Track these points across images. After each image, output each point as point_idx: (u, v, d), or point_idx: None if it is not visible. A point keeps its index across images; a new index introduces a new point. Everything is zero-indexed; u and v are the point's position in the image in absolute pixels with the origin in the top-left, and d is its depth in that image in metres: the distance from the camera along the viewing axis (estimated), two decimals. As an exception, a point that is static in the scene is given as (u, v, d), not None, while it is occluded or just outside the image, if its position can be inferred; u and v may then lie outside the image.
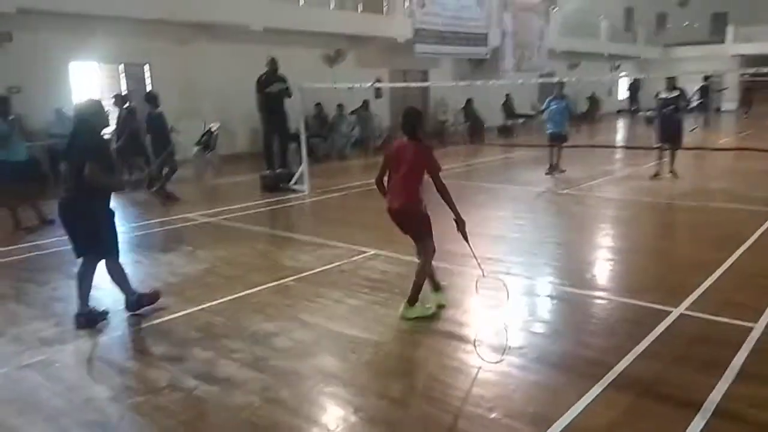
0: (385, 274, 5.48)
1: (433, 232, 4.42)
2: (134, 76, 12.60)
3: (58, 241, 6.50)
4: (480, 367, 3.61)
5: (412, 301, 4.36)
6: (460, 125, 19.53)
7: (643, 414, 3.03)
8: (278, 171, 10.40)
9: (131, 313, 4.52)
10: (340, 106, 15.28)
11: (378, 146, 15.74)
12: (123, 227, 7.47)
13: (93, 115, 4.35)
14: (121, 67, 12.52)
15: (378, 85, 12.99)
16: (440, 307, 4.54)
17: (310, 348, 3.92)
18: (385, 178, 4.46)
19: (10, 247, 6.72)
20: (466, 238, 4.34)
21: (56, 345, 4.06)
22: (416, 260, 4.54)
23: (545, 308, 4.70)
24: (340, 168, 13.35)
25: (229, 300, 4.81)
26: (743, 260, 5.55)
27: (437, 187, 4.22)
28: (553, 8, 23.87)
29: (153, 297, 4.68)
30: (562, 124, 10.90)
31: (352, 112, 15.69)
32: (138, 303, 4.55)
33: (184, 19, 12.42)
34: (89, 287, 4.41)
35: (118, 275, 4.49)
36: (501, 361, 3.66)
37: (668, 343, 3.83)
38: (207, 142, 11.80)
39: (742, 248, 5.86)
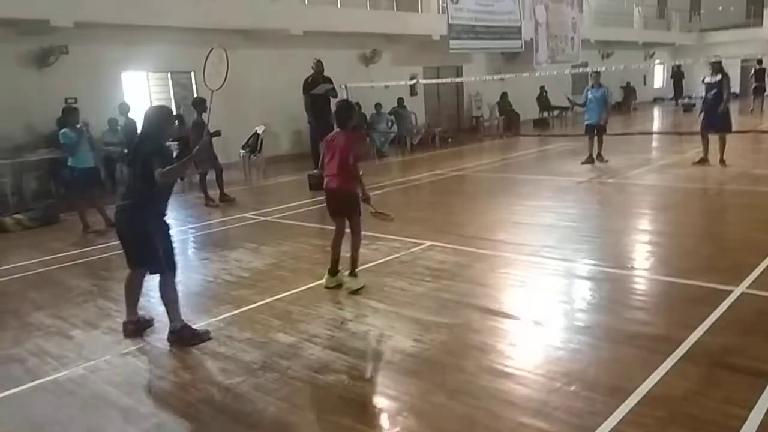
0: (443, 263, 5.68)
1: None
2: (181, 84, 13.06)
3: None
4: (551, 346, 3.80)
5: (354, 273, 5.00)
6: (495, 119, 19.59)
7: (717, 383, 3.18)
8: (325, 170, 10.66)
9: (169, 342, 4.15)
10: (378, 105, 15.54)
11: (415, 143, 15.96)
12: (185, 227, 7.86)
13: (162, 121, 4.21)
14: (169, 75, 12.99)
15: (417, 81, 13.16)
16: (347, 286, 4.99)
17: (385, 331, 4.16)
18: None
19: (85, 249, 7.15)
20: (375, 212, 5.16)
21: (151, 334, 4.38)
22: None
23: (605, 290, 4.84)
24: (380, 166, 13.58)
25: (302, 290, 5.09)
26: (800, 241, 5.60)
27: (354, 158, 4.88)
28: (586, -3, 23.69)
29: (200, 337, 4.17)
30: (600, 114, 10.91)
31: (390, 111, 15.92)
32: (178, 335, 4.14)
33: (228, 26, 12.80)
34: (137, 297, 4.38)
35: (168, 295, 4.15)
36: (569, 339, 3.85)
37: (734, 319, 3.95)
38: (254, 144, 12.17)
39: (798, 229, 5.91)
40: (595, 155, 11.05)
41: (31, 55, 10.92)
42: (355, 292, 4.91)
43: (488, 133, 18.50)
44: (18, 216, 8.51)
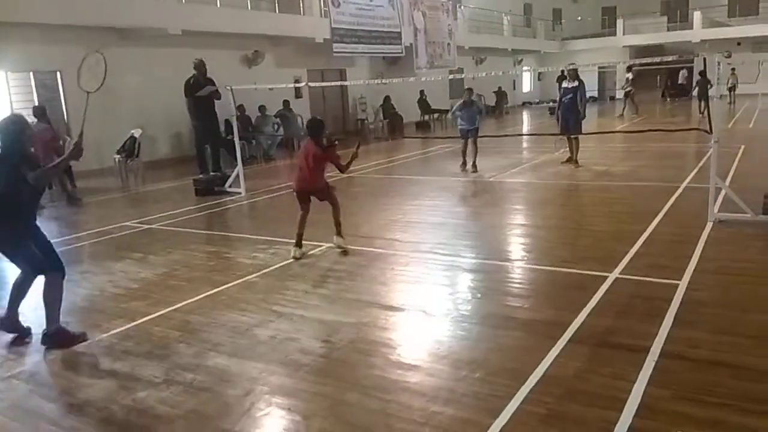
0: (342, 264, 5.75)
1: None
2: (46, 85, 12.03)
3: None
4: (454, 337, 3.98)
5: (340, 233, 6.04)
6: (380, 122, 19.99)
7: (603, 361, 3.50)
8: (212, 174, 10.35)
9: (44, 345, 4.07)
10: (262, 107, 15.27)
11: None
12: (60, 239, 7.27)
13: (18, 134, 4.04)
14: (32, 75, 11.93)
15: (304, 85, 13.11)
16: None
17: (292, 335, 4.13)
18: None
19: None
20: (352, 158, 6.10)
21: (33, 353, 4.03)
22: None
23: (497, 282, 5.13)
24: (269, 169, 13.39)
25: (199, 299, 4.91)
26: (659, 229, 6.27)
27: (339, 167, 5.99)
28: (460, 6, 24.85)
29: (78, 338, 4.14)
30: (474, 121, 10.88)
31: (276, 114, 15.72)
32: (54, 338, 4.08)
33: (97, 24, 12.00)
34: (20, 295, 4.25)
35: (51, 296, 4.10)
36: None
37: (611, 302, 4.37)
38: (130, 149, 11.49)
39: (657, 219, 6.62)
40: (470, 163, 10.96)
41: None
42: (344, 251, 5.97)
43: (373, 135, 18.83)
44: None
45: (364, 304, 4.65)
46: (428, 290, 4.96)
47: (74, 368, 3.85)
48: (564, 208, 8.16)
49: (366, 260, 5.85)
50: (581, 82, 10.75)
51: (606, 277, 4.83)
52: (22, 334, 4.30)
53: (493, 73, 10.74)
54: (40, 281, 4.19)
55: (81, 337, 4.17)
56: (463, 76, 15.29)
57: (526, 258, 5.83)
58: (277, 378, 3.53)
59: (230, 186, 9.95)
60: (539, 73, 30.42)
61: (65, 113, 12.31)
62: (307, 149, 5.96)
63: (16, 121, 4.21)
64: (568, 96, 10.68)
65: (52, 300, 4.11)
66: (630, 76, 21.89)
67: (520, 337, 3.95)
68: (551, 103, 25.61)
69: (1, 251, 4.19)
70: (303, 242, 6.03)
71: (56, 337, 4.09)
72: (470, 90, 11.25)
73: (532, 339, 3.88)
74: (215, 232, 7.68)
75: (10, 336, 4.30)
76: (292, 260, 5.87)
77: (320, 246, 6.25)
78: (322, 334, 4.11)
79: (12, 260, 4.18)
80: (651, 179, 9.21)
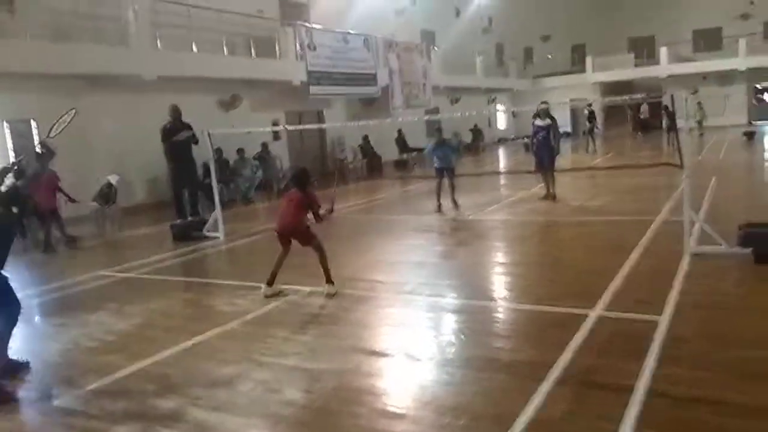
0: (324, 308, 5.69)
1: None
2: (21, 133, 11.93)
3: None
4: (437, 382, 3.94)
5: (330, 280, 6.00)
6: (359, 161, 20.12)
7: (588, 402, 3.48)
8: (190, 219, 10.26)
9: None
10: (240, 150, 15.29)
11: (282, 189, 15.86)
12: (32, 291, 7.11)
13: None
14: (5, 124, 11.83)
15: (282, 128, 13.19)
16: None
17: (272, 385, 4.05)
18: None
19: None
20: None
21: (6, 414, 3.88)
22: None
23: (478, 322, 5.10)
24: (248, 212, 13.33)
25: (178, 350, 4.80)
26: (637, 263, 6.34)
27: (315, 215, 6.10)
28: (433, 47, 25.42)
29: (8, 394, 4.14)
30: (449, 160, 10.91)
31: (255, 157, 15.76)
32: None
33: (69, 72, 11.99)
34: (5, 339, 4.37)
35: None
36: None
37: (592, 340, 4.37)
38: (107, 195, 11.36)
39: (634, 253, 6.69)
40: (446, 203, 10.85)
41: None
42: (333, 295, 5.90)
43: (352, 175, 18.92)
44: None
45: (346, 349, 4.59)
46: (412, 333, 4.92)
47: (49, 429, 3.70)
48: (542, 244, 8.24)
49: (348, 303, 5.79)
50: (554, 120, 10.99)
51: (587, 315, 4.84)
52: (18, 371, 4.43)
53: (468, 113, 10.95)
54: None
55: (12, 395, 4.13)
56: (438, 116, 15.56)
57: (507, 297, 5.84)
58: (257, 432, 3.45)
59: (208, 230, 9.86)
60: (513, 111, 31.03)
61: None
62: (290, 193, 6.18)
63: None
64: (542, 134, 10.91)
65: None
66: (586, 112, 22.73)
67: (504, 380, 3.91)
68: (526, 139, 26.11)
69: None
70: (284, 285, 5.99)
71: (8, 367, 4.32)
72: (440, 129, 11.38)
73: (516, 381, 3.85)
74: (193, 279, 7.57)
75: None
76: (272, 306, 5.80)
77: (302, 289, 6.19)
78: (304, 383, 4.04)
79: None
80: (626, 213, 9.36)
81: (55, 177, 9.82)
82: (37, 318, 6.26)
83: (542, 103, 11.38)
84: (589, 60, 33.43)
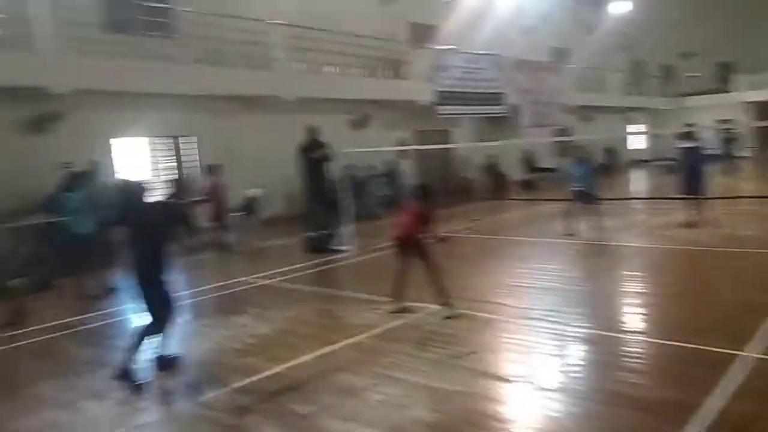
0: (449, 328, 5.73)
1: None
2: (184, 149, 13.31)
3: (123, 309, 6.87)
4: (567, 413, 3.83)
5: (446, 303, 6.01)
6: (484, 181, 19.99)
7: (738, 451, 3.22)
8: (322, 233, 10.78)
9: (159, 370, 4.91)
10: (370, 168, 15.82)
11: (404, 204, 16.15)
12: (186, 292, 7.82)
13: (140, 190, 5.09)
14: (172, 140, 13.23)
15: (410, 147, 13.50)
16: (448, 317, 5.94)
17: (401, 401, 4.16)
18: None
19: (82, 316, 7.08)
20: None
21: (163, 405, 4.33)
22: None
23: (614, 354, 4.89)
24: (375, 227, 13.67)
25: (313, 357, 5.08)
26: (795, 303, 5.74)
27: (432, 235, 6.13)
28: (565, 65, 24.74)
29: (174, 362, 5.03)
30: (591, 183, 10.44)
31: (383, 174, 16.24)
32: (161, 361, 4.95)
33: (222, 93, 13.16)
34: (163, 334, 4.94)
35: (139, 337, 4.81)
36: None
37: (750, 385, 4.00)
38: (251, 207, 12.31)
39: (792, 291, 6.07)
40: (580, 227, 10.43)
41: (28, 121, 11.03)
42: (452, 317, 5.91)
43: (477, 195, 18.83)
44: (14, 282, 8.40)
45: (472, 372, 4.60)
46: (539, 361, 4.82)
47: (199, 421, 4.07)
48: (686, 275, 7.69)
49: (474, 325, 5.80)
50: (700, 142, 10.30)
51: (736, 356, 4.47)
52: (172, 364, 4.98)
53: (602, 133, 10.55)
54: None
55: (176, 361, 5.01)
56: (568, 137, 15.11)
57: (643, 330, 5.54)
58: (388, 445, 3.56)
59: (339, 244, 10.30)
60: (652, 131, 29.24)
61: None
62: (410, 205, 6.38)
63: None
64: (688, 156, 10.24)
65: (137, 340, 4.79)
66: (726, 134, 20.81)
67: (639, 418, 3.72)
68: (666, 161, 24.46)
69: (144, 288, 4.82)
70: (410, 303, 6.14)
71: (164, 361, 4.94)
72: (580, 148, 11.05)
73: (653, 420, 3.65)
74: (325, 290, 7.94)
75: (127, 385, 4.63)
76: (399, 322, 5.94)
77: (428, 307, 6.29)
78: (431, 402, 4.10)
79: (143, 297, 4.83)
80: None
81: (223, 187, 11.18)
82: (188, 318, 6.89)
83: (688, 124, 10.70)
84: (738, 78, 30.74)
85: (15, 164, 10.71)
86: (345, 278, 8.84)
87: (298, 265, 9.25)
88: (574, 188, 10.57)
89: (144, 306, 4.84)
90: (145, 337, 4.82)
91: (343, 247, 10.15)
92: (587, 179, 10.48)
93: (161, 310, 4.87)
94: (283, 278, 8.42)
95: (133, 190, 5.09)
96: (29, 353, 5.82)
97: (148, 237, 4.88)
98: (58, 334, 6.41)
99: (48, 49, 10.49)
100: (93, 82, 10.90)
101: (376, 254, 9.95)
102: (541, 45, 24.27)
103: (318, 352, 5.18)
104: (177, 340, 5.26)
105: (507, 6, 21.64)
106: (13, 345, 6.07)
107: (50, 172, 10.80)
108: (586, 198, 10.39)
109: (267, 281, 8.29)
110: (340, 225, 10.87)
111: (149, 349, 4.86)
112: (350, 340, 5.45)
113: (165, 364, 4.96)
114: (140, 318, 5.03)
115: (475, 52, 19.61)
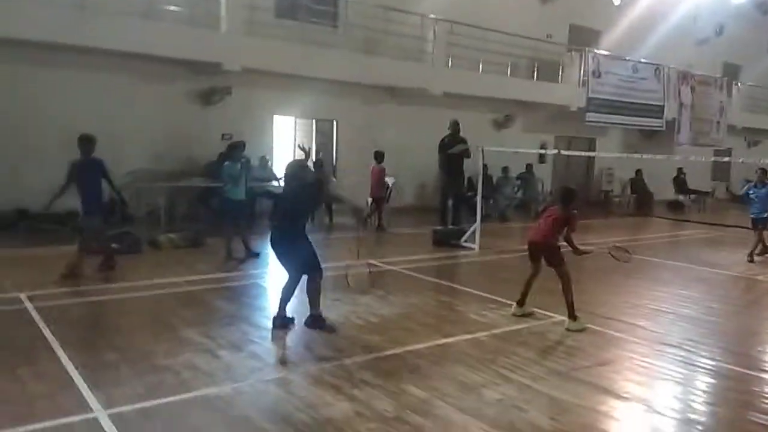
0: (575, 341, 5.52)
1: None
2: (323, 132, 13.93)
3: (265, 271, 7.36)
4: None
5: (572, 316, 5.76)
6: (626, 196, 18.93)
7: None
8: (450, 227, 10.82)
9: (308, 327, 5.43)
10: (505, 169, 15.58)
11: (540, 210, 15.70)
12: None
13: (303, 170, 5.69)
14: (314, 122, 13.91)
15: (558, 152, 13.13)
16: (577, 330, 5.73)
17: (519, 403, 4.08)
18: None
19: (228, 274, 7.71)
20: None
21: (290, 365, 4.62)
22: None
23: (749, 394, 4.44)
24: (503, 229, 13.47)
25: (431, 346, 5.14)
26: None
27: (571, 238, 5.95)
28: (736, 83, 22.60)
29: (327, 327, 5.46)
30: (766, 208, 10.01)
31: (518, 176, 15.92)
32: (315, 321, 5.46)
33: (372, 83, 13.56)
34: (289, 297, 5.50)
35: (312, 292, 5.45)
36: None
37: None
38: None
39: None
40: (752, 253, 10.11)
41: (200, 93, 12.14)
42: (576, 331, 5.70)
43: (618, 209, 17.86)
44: (170, 235, 9.33)
45: (597, 389, 4.41)
46: (670, 391, 4.51)
47: (321, 385, 4.29)
48: None
49: (601, 341, 5.54)
50: None
51: None
52: (288, 324, 5.49)
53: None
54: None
55: (329, 328, 5.45)
56: (726, 159, 13.77)
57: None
58: (500, 443, 3.53)
59: (465, 241, 10.27)
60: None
61: (334, 157, 14.06)
62: (551, 209, 6.18)
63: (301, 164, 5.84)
64: None
65: (313, 295, 5.45)
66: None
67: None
68: None
69: (289, 250, 5.43)
70: (535, 309, 6.00)
71: (316, 320, 5.44)
72: (765, 170, 10.15)
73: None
74: (447, 283, 7.96)
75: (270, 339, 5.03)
76: (522, 326, 5.84)
77: (553, 317, 6.10)
78: (550, 410, 3.99)
79: (285, 259, 5.46)
80: None
81: (383, 170, 11.95)
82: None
83: None
84: None
85: (185, 130, 11.87)
86: (468, 275, 8.81)
87: (423, 256, 9.37)
88: (753, 214, 10.20)
89: (292, 269, 5.45)
90: (290, 296, 5.45)
91: (470, 245, 10.11)
92: (765, 204, 9.99)
93: (310, 271, 5.43)
94: (407, 266, 8.56)
95: (303, 168, 5.67)
96: (176, 300, 6.44)
97: (301, 210, 5.51)
98: (204, 287, 7.04)
99: (228, 29, 11.46)
100: (260, 62, 11.75)
101: (501, 256, 9.82)
102: (712, 59, 22.38)
103: (436, 342, 5.23)
104: (305, 308, 5.55)
105: (680, 14, 20.17)
106: (165, 291, 6.74)
107: (214, 141, 11.87)
108: (763, 222, 10.03)
109: (391, 267, 8.48)
110: (467, 222, 10.84)
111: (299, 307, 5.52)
112: (468, 336, 5.44)
113: (313, 323, 5.45)
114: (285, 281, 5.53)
115: (636, 60, 18.52)
